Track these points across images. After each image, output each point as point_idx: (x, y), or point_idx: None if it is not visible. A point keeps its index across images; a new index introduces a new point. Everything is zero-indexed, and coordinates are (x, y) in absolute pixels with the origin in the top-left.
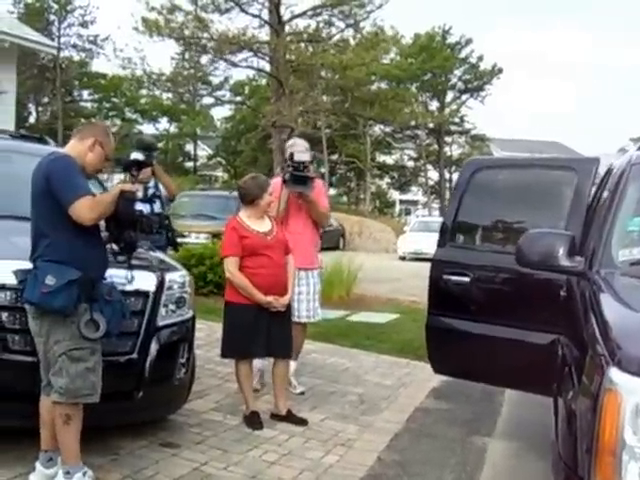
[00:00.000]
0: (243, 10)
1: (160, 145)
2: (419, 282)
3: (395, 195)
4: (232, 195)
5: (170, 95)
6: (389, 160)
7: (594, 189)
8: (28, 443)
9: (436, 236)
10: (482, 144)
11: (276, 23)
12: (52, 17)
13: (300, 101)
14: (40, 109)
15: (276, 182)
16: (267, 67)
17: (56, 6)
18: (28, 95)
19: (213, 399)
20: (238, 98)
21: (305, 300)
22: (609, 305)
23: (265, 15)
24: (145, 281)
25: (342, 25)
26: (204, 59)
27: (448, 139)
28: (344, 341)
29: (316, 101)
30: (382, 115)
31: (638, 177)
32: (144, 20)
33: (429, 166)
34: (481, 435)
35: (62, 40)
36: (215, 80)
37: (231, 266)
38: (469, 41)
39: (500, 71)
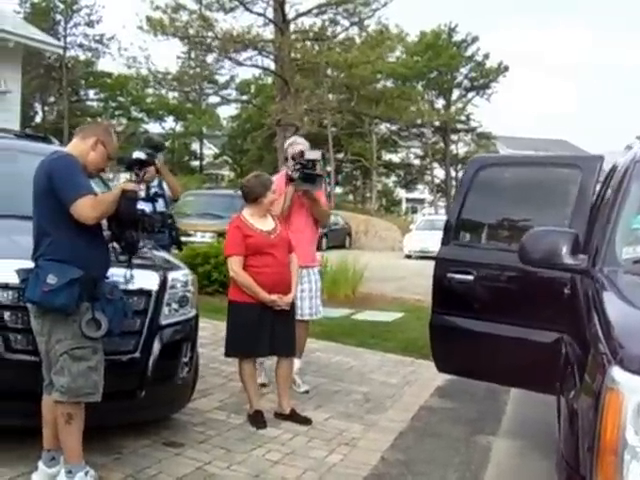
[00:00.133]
0: (247, 9)
1: (166, 144)
2: (424, 281)
3: (401, 193)
4: (237, 194)
5: (176, 94)
6: (395, 158)
7: (599, 187)
8: (31, 442)
9: (442, 234)
10: (488, 142)
11: (281, 21)
12: (58, 17)
13: (305, 99)
14: (46, 108)
15: (278, 179)
16: (272, 65)
17: (62, 6)
18: (34, 94)
19: (217, 398)
20: (244, 97)
21: (307, 298)
22: (612, 303)
23: (270, 13)
24: (148, 280)
25: (347, 23)
26: (210, 58)
27: (454, 137)
28: (349, 340)
29: (321, 99)
30: (388, 113)
31: None
32: (148, 19)
33: (435, 164)
34: (485, 434)
35: (68, 39)
36: (221, 79)
37: (235, 265)
38: (475, 39)
39: (506, 69)
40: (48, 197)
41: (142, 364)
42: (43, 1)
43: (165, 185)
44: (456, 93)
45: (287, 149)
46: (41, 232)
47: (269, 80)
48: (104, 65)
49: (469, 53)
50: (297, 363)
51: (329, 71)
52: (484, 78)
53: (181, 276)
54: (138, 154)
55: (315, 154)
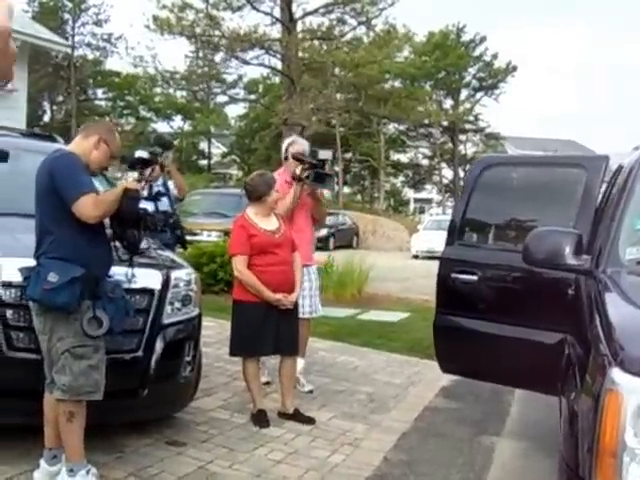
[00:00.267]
0: (255, 7)
1: (174, 143)
2: (431, 281)
3: (409, 193)
4: (244, 193)
5: (184, 93)
6: (403, 158)
7: (604, 187)
8: (33, 440)
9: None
10: (497, 142)
11: (288, 21)
12: (66, 16)
13: (312, 99)
14: (54, 107)
15: (279, 178)
16: (279, 65)
17: (70, 5)
18: (42, 93)
19: (221, 397)
20: (252, 96)
21: (308, 296)
22: (614, 304)
23: (277, 12)
24: (150, 279)
25: (354, 23)
26: (218, 57)
27: (462, 137)
28: (354, 339)
29: (328, 99)
30: (395, 113)
31: None
32: (155, 18)
33: (443, 164)
34: (489, 435)
35: (76, 39)
36: (229, 78)
37: (240, 265)
38: (483, 39)
39: (514, 69)
40: (50, 195)
41: (144, 363)
42: (51, 0)
43: (171, 184)
44: (464, 93)
45: (287, 148)
46: (43, 230)
47: (277, 79)
48: (112, 64)
49: (477, 53)
50: (301, 362)
51: (337, 70)
52: (492, 78)
53: (184, 275)
54: (141, 153)
55: (327, 154)
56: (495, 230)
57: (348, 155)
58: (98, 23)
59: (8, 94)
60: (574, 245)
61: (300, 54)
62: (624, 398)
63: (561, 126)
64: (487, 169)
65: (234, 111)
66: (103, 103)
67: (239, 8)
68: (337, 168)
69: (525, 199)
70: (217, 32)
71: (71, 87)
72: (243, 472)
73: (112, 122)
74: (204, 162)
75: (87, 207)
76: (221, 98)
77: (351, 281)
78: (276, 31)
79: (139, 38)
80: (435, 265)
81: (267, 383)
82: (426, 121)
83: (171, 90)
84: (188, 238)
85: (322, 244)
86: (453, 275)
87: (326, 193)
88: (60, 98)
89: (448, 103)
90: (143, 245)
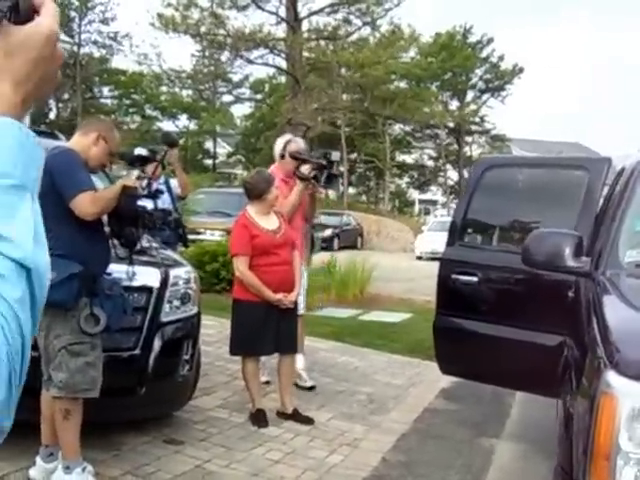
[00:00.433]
0: (260, 7)
1: (180, 142)
2: (434, 282)
3: (414, 195)
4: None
5: (190, 92)
6: (409, 159)
7: (606, 189)
8: (31, 437)
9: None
10: (502, 144)
11: (293, 20)
12: (73, 13)
13: (315, 98)
14: (60, 105)
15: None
16: (283, 64)
17: (77, 3)
18: None
19: (220, 396)
20: (258, 96)
21: (301, 294)
22: (612, 306)
23: (282, 12)
24: (149, 277)
25: (359, 23)
26: (224, 56)
27: (468, 139)
28: (356, 340)
29: (333, 99)
30: (401, 114)
31: None
32: (160, 16)
33: (449, 166)
34: (489, 437)
35: (83, 36)
36: (235, 78)
37: (241, 265)
38: (490, 40)
39: (521, 71)
40: (48, 193)
41: (142, 361)
42: None
43: (174, 182)
44: (470, 95)
45: (285, 146)
46: None
47: (283, 79)
48: (118, 62)
49: (484, 55)
50: (301, 359)
51: (342, 71)
52: (499, 80)
53: (183, 273)
54: (140, 150)
55: (336, 155)
56: (496, 231)
57: (353, 155)
58: (104, 21)
59: None
60: (574, 247)
61: (306, 54)
62: (619, 401)
63: (566, 127)
64: (488, 170)
65: (240, 111)
66: (109, 101)
67: (244, 7)
68: (342, 168)
69: (527, 200)
70: (222, 31)
71: (77, 85)
72: (240, 471)
73: (117, 120)
74: (209, 161)
75: (85, 204)
76: (227, 97)
77: (353, 282)
78: (281, 30)
79: (144, 36)
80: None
81: (267, 382)
82: (432, 122)
83: (177, 89)
84: (192, 237)
85: (326, 244)
86: (453, 276)
87: (331, 194)
88: (66, 96)
89: (454, 104)
90: (143, 243)
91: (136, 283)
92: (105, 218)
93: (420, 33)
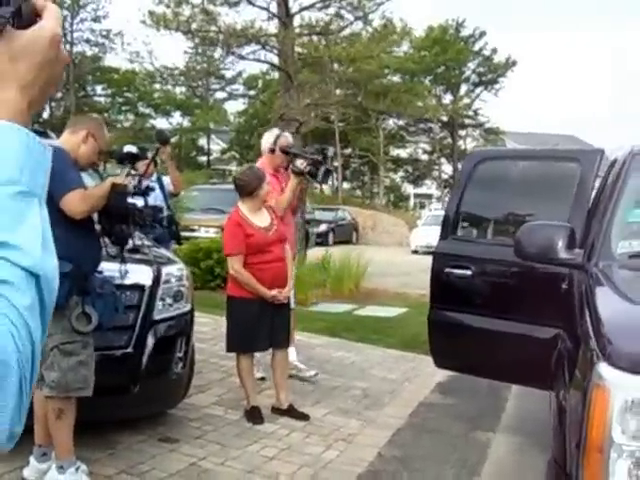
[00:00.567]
0: (251, 2)
1: (173, 139)
2: (429, 276)
3: (409, 189)
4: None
5: (183, 89)
6: (403, 154)
7: (599, 181)
8: (26, 438)
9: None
10: (496, 137)
11: (284, 16)
12: (65, 12)
13: (308, 93)
14: (53, 104)
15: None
16: (275, 60)
17: (69, 1)
18: None
19: (215, 393)
20: (251, 92)
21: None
22: (604, 298)
23: (273, 8)
24: (141, 274)
25: (351, 18)
26: (216, 53)
27: (462, 132)
28: (351, 335)
29: (326, 94)
30: (394, 108)
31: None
32: (151, 13)
33: (443, 159)
34: (484, 430)
35: (75, 35)
36: (228, 74)
37: (236, 264)
38: (483, 34)
39: (514, 64)
40: None
41: (135, 359)
42: None
43: (166, 179)
44: (464, 88)
45: (275, 141)
46: None
47: (276, 75)
48: (111, 60)
49: (477, 48)
50: (293, 352)
51: (335, 66)
52: (492, 73)
53: (175, 270)
54: (129, 148)
55: (331, 150)
56: (489, 224)
57: (347, 150)
58: (97, 19)
59: None
60: (566, 239)
61: (298, 49)
62: (611, 393)
63: (560, 120)
64: (481, 163)
65: (233, 107)
66: (102, 99)
67: (235, 3)
68: (336, 163)
69: (519, 193)
70: (213, 27)
71: (70, 83)
72: (235, 469)
73: (110, 118)
74: (203, 158)
75: (74, 202)
76: (220, 94)
77: (348, 276)
78: (273, 26)
79: (136, 34)
80: None
81: (262, 379)
82: (425, 116)
83: (170, 86)
84: (186, 234)
85: (321, 239)
86: (447, 270)
87: (326, 188)
88: (59, 94)
89: (447, 98)
90: (135, 241)
91: (128, 281)
92: (95, 216)
93: (412, 27)
